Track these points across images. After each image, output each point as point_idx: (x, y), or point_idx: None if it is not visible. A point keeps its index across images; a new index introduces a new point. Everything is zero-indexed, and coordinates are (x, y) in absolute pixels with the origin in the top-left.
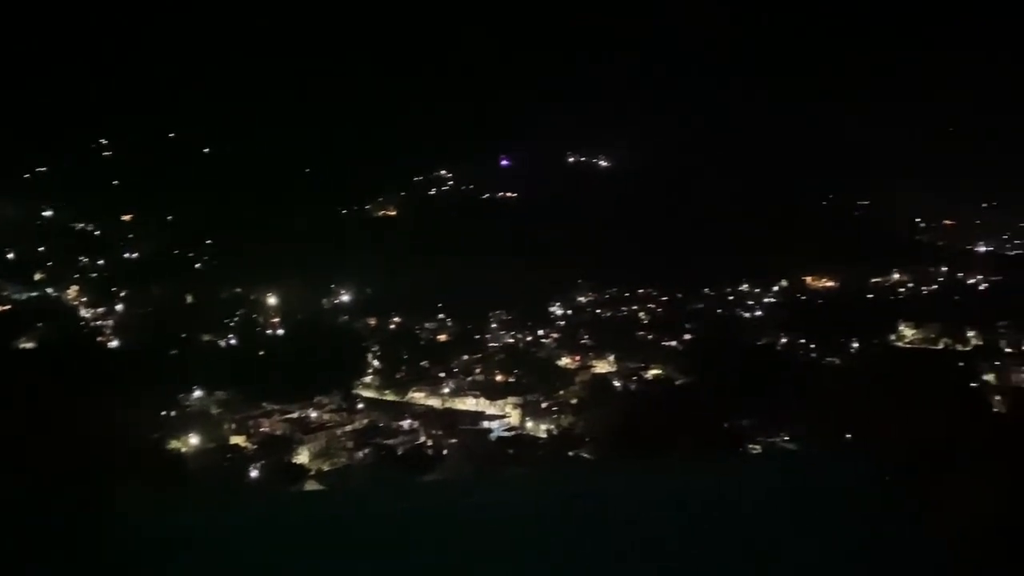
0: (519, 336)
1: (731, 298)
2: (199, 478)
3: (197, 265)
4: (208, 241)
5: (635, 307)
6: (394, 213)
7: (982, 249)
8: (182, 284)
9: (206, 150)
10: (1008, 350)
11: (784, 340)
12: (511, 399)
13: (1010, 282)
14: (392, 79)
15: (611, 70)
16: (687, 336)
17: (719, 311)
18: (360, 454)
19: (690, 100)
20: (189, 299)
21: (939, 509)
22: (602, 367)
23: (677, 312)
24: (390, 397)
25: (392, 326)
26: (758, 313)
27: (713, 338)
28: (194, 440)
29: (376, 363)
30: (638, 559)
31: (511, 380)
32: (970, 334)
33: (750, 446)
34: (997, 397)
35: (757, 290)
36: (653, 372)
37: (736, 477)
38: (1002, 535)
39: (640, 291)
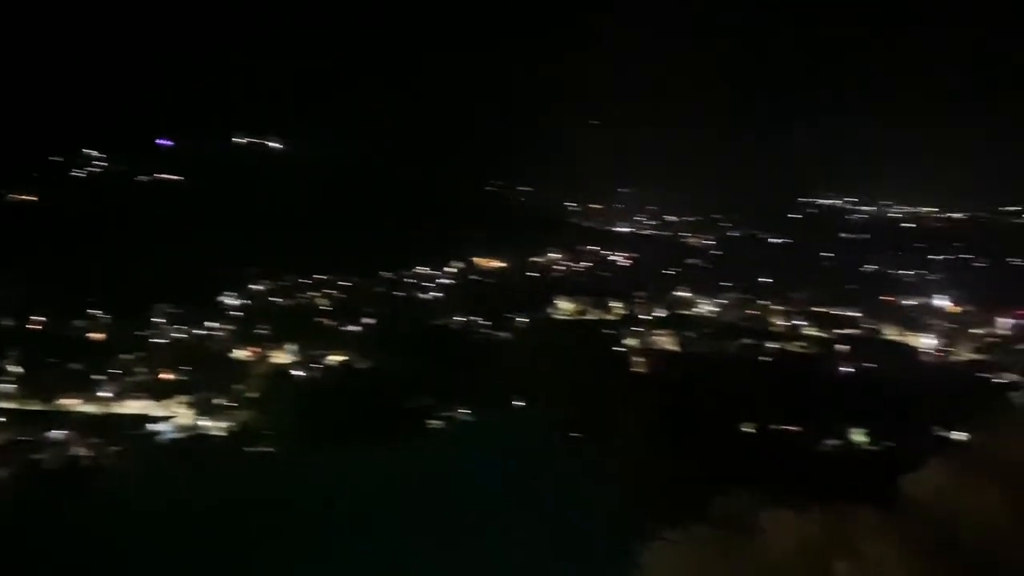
0: (187, 330)
1: (409, 281)
2: None
3: None
4: None
5: (313, 294)
6: (35, 198)
7: (622, 229)
8: None
9: None
10: (644, 317)
11: (460, 319)
12: (181, 398)
13: (644, 258)
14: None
15: (288, 52)
16: (368, 320)
17: (398, 294)
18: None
19: (368, 87)
20: None
21: (599, 454)
22: (281, 357)
23: (357, 297)
24: (35, 407)
25: (33, 326)
26: (436, 294)
27: (393, 321)
28: None
29: (16, 369)
30: (332, 547)
31: (180, 378)
32: (614, 305)
33: (431, 422)
34: (638, 358)
35: (434, 272)
36: (335, 358)
37: (421, 453)
38: (649, 472)
39: (317, 277)
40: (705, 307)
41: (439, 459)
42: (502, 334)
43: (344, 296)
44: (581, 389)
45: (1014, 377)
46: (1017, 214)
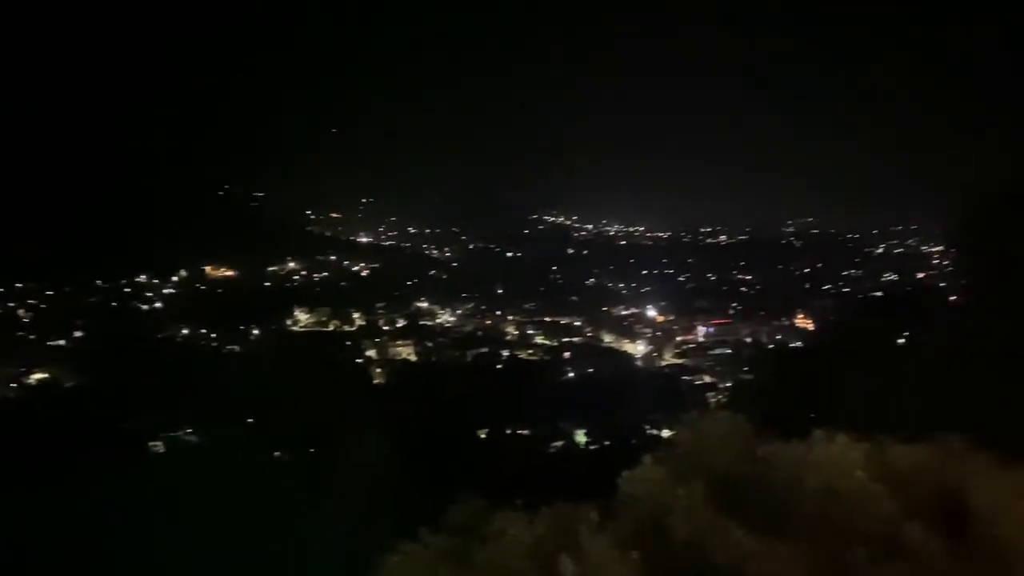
0: None
1: (128, 291)
2: None
3: None
4: None
5: (12, 304)
6: None
7: (363, 239)
8: None
9: None
10: (386, 328)
11: (185, 331)
12: None
13: (385, 269)
14: None
15: None
16: (78, 334)
17: (114, 305)
18: None
19: (87, 79)
20: None
21: (333, 469)
22: None
23: (65, 308)
24: None
25: None
26: (157, 305)
27: (108, 334)
28: None
29: None
30: None
31: None
32: (355, 315)
33: (151, 444)
34: (378, 369)
35: (156, 281)
36: (37, 376)
37: (137, 479)
38: (384, 484)
39: (19, 286)
40: (444, 317)
41: (158, 483)
42: (233, 347)
43: (50, 307)
44: (316, 402)
45: (709, 379)
46: (713, 234)
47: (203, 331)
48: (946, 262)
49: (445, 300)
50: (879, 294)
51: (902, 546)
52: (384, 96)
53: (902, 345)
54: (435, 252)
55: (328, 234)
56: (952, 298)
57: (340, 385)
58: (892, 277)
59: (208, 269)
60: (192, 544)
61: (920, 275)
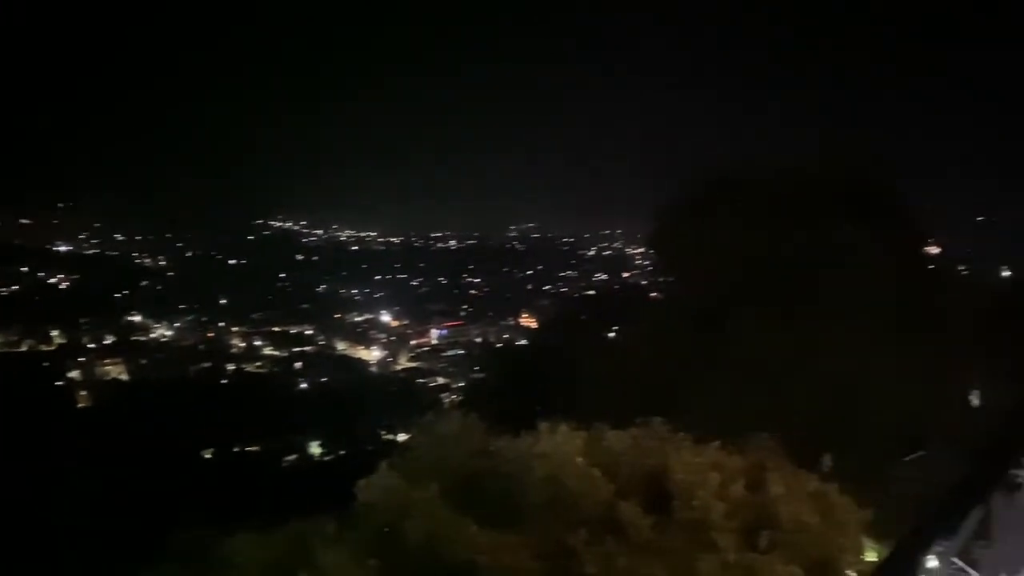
0: None
1: None
2: None
3: None
4: None
5: None
6: None
7: (61, 248)
8: None
9: None
10: (92, 345)
11: None
12: None
13: (88, 280)
14: None
15: None
16: None
17: None
18: None
19: None
20: None
21: (28, 513)
22: None
23: None
24: None
25: None
26: None
27: None
28: None
29: None
30: None
31: None
32: (54, 333)
33: None
34: (83, 392)
35: None
36: None
37: None
38: (101, 517)
39: None
40: (161, 331)
41: None
42: None
43: None
44: (6, 434)
45: (443, 380)
46: (444, 239)
47: None
48: (647, 262)
49: (161, 313)
50: (592, 292)
51: (617, 524)
52: (84, 89)
53: (612, 339)
54: (148, 261)
55: (17, 242)
56: (653, 294)
57: (36, 412)
58: (602, 277)
59: None
60: None
61: (625, 274)
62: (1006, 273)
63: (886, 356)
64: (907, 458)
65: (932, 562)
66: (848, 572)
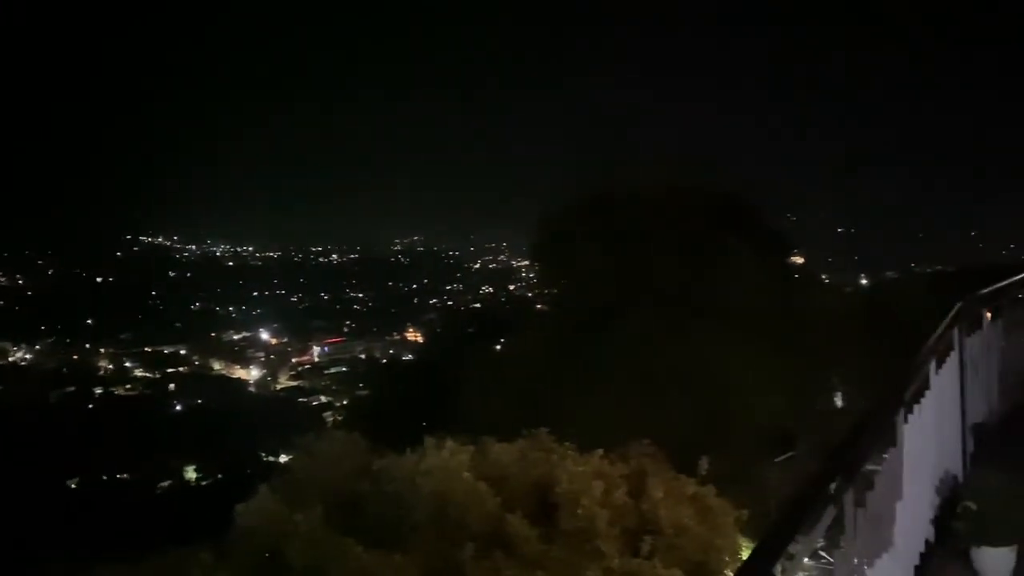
0: None
1: None
2: None
3: None
4: None
5: None
6: None
7: None
8: None
9: None
10: None
11: None
12: None
13: None
14: None
15: None
16: None
17: None
18: None
19: None
20: None
21: None
22: None
23: None
24: None
25: None
26: None
27: None
28: None
29: None
30: None
31: None
32: None
33: None
34: None
35: None
36: None
37: None
38: None
39: None
40: (19, 354)
41: None
42: None
43: None
44: None
45: (326, 399)
46: (326, 253)
47: None
48: (531, 274)
49: (18, 335)
50: (478, 305)
51: (504, 537)
52: None
53: (499, 351)
54: (3, 279)
55: None
56: (538, 306)
57: None
58: (488, 290)
59: None
60: None
61: (511, 287)
62: (864, 281)
63: (758, 361)
64: (778, 459)
65: (791, 557)
66: (726, 572)
